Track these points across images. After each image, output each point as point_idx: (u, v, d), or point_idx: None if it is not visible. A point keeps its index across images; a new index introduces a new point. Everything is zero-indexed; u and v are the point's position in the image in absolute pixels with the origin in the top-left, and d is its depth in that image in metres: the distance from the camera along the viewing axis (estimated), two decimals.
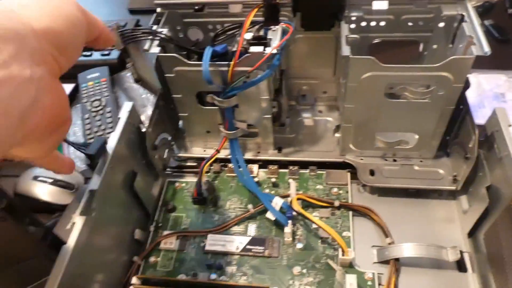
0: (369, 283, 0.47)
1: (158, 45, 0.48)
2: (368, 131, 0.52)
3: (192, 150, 0.60)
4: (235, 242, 0.51)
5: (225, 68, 0.46)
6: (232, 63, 0.45)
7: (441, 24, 0.48)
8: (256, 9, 0.47)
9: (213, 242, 0.52)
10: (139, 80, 0.48)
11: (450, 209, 0.53)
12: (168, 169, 0.60)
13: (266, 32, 0.49)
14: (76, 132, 0.69)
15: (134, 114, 0.49)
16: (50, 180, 0.58)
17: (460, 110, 0.48)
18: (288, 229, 0.50)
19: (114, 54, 0.76)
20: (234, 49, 0.48)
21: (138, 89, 0.73)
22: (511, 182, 0.39)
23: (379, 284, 0.47)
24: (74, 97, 0.73)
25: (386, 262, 0.48)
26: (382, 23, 0.50)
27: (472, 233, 0.48)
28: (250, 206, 0.54)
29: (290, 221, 0.50)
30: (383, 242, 0.50)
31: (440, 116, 0.48)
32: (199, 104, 0.53)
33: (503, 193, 0.41)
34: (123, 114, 0.48)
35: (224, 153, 0.58)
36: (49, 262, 0.38)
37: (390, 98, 0.47)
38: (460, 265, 0.48)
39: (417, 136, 0.52)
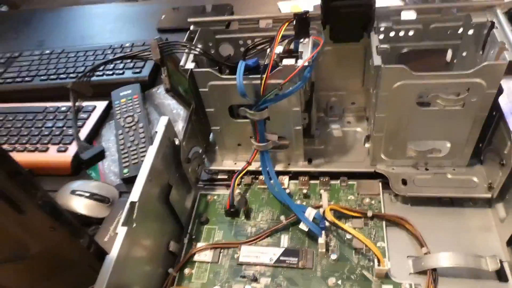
0: None
1: (193, 61, 0.50)
2: (399, 140, 0.52)
3: (223, 163, 0.61)
4: (269, 254, 0.52)
5: (257, 82, 0.47)
6: (264, 76, 0.47)
7: (471, 32, 0.49)
8: (287, 23, 0.48)
9: (247, 254, 0.52)
10: (170, 90, 0.50)
11: (486, 217, 0.52)
12: (200, 183, 0.61)
13: (296, 46, 0.50)
14: (109, 148, 0.71)
15: (169, 127, 0.51)
16: (87, 194, 0.60)
17: (494, 117, 0.48)
18: (322, 240, 0.50)
19: (145, 72, 0.79)
20: (266, 62, 0.50)
21: (169, 105, 0.75)
22: None
23: None
24: (108, 114, 0.76)
25: (423, 272, 0.48)
26: (411, 33, 0.51)
27: (511, 242, 0.47)
28: (282, 218, 0.54)
29: (323, 232, 0.50)
30: (418, 252, 0.50)
31: (473, 123, 0.48)
32: (231, 117, 0.54)
33: None
34: (160, 128, 0.49)
35: (255, 166, 0.59)
36: (92, 272, 0.39)
37: (422, 106, 0.48)
38: (500, 275, 0.47)
39: (449, 144, 0.52)
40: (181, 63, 0.50)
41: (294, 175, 0.59)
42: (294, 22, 0.48)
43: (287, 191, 0.57)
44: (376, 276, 0.47)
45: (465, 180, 0.53)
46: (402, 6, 0.48)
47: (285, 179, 0.59)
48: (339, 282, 0.48)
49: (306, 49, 0.47)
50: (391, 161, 0.55)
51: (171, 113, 0.74)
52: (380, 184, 0.56)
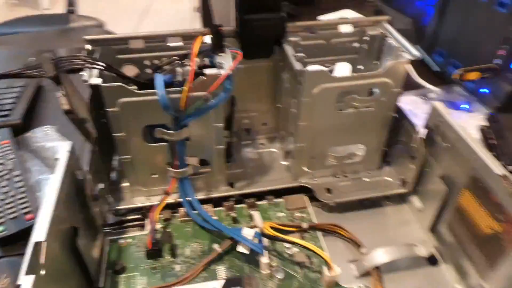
0: None
1: (98, 76, 0.43)
2: (321, 148, 0.53)
3: (133, 200, 0.53)
4: None
5: (177, 95, 0.43)
6: (186, 88, 0.43)
7: (365, 45, 0.55)
8: (202, 37, 0.46)
9: None
10: (70, 112, 0.42)
11: (404, 211, 0.55)
12: (107, 228, 0.51)
13: (211, 61, 0.48)
14: None
15: (73, 156, 0.42)
16: None
17: (397, 119, 0.53)
18: (265, 259, 0.45)
19: (16, 115, 0.66)
20: (181, 79, 0.46)
21: (50, 149, 0.63)
22: (467, 162, 0.43)
23: None
24: None
25: (367, 274, 0.47)
26: (315, 47, 0.54)
27: (433, 228, 0.51)
28: (215, 246, 0.48)
29: (265, 251, 0.46)
30: (357, 255, 0.49)
31: (383, 124, 0.52)
32: (145, 142, 0.48)
33: (457, 177, 0.45)
34: (63, 155, 0.40)
35: (171, 198, 0.52)
36: None
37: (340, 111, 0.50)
38: (431, 260, 0.49)
39: (364, 147, 0.55)
40: (84, 77, 0.43)
41: (217, 203, 0.54)
42: (208, 37, 0.47)
43: (214, 217, 0.52)
44: (325, 285, 0.45)
45: (380, 181, 0.56)
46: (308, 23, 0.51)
47: (209, 208, 0.53)
48: None
49: (226, 60, 0.46)
50: (312, 173, 0.56)
51: (52, 159, 0.62)
52: (307, 197, 0.55)
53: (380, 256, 0.47)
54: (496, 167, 0.39)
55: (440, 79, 0.76)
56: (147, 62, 0.52)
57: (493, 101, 0.67)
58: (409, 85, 0.51)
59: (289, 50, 0.49)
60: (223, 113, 0.49)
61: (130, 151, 0.49)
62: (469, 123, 0.64)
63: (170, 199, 0.52)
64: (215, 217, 0.52)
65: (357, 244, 0.50)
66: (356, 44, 0.55)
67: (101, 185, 0.50)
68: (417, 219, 0.54)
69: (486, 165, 0.40)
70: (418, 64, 0.49)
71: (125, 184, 0.54)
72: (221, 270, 0.47)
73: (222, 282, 0.45)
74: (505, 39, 0.63)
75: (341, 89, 0.47)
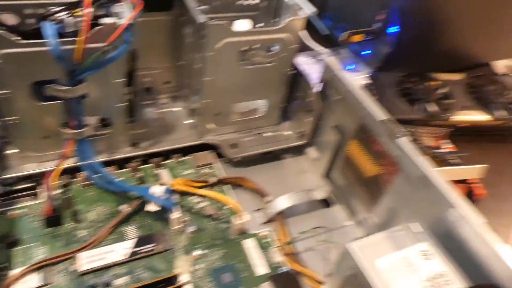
0: (268, 239, 0.48)
1: None
2: (225, 105, 0.54)
3: (22, 168, 0.48)
4: (117, 251, 0.44)
5: (71, 46, 0.40)
6: (81, 38, 0.40)
7: (265, 3, 0.56)
8: None
9: (89, 260, 0.42)
10: None
11: (302, 162, 0.60)
12: None
13: (107, 11, 0.45)
14: None
15: None
16: None
17: (295, 75, 0.56)
18: (175, 214, 0.46)
19: None
20: (71, 30, 0.42)
21: None
22: (356, 112, 0.48)
23: (275, 240, 0.49)
24: None
25: (272, 220, 0.51)
26: (216, 3, 0.54)
27: (327, 175, 0.56)
28: (122, 207, 0.47)
29: (175, 207, 0.46)
30: (263, 205, 0.53)
31: (282, 79, 0.55)
32: (34, 101, 0.43)
33: (348, 126, 0.50)
34: None
35: (69, 162, 0.49)
36: None
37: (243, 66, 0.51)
38: (327, 203, 0.55)
39: (266, 103, 0.57)
40: None
41: (121, 165, 0.52)
42: None
43: (118, 179, 0.50)
44: (235, 233, 0.48)
45: (280, 135, 0.60)
46: None
47: (112, 170, 0.51)
48: (206, 251, 0.45)
49: (124, 10, 0.43)
50: (217, 130, 0.57)
51: None
52: (214, 154, 0.57)
53: (282, 202, 0.51)
54: (379, 114, 0.45)
55: (329, 42, 0.82)
56: (29, 11, 0.46)
57: (374, 61, 0.75)
58: (301, 48, 0.54)
59: (191, 2, 0.48)
60: (123, 68, 0.46)
61: (16, 111, 0.43)
62: (355, 82, 0.71)
63: (68, 164, 0.49)
64: (120, 179, 0.50)
65: (262, 194, 0.53)
66: (256, 1, 0.56)
67: None
68: (313, 168, 0.59)
69: (370, 113, 0.46)
70: (309, 28, 0.52)
71: (12, 151, 0.48)
72: (131, 231, 0.46)
73: (133, 241, 0.45)
74: (383, 5, 0.71)
75: (243, 44, 0.48)
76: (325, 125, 0.55)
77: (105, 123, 0.49)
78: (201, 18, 0.45)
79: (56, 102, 0.44)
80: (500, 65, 0.83)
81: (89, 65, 0.41)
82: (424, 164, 0.40)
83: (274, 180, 0.56)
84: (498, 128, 0.69)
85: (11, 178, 0.47)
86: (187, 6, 0.48)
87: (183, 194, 0.50)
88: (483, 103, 0.68)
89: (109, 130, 0.50)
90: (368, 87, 0.68)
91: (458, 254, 0.37)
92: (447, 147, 0.65)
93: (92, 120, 0.47)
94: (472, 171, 0.57)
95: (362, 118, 0.48)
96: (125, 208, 0.47)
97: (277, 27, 0.49)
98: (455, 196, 0.37)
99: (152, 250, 0.44)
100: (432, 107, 0.66)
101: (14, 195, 0.47)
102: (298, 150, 0.61)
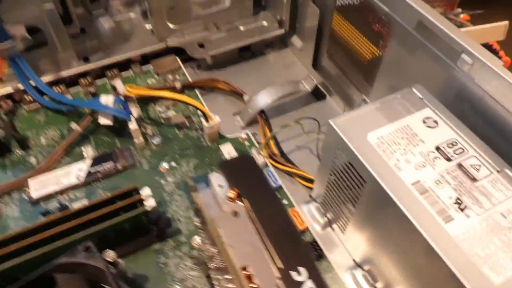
0: (247, 143, 0.41)
1: None
2: None
3: None
4: (72, 173, 0.38)
5: None
6: None
7: None
8: None
9: (41, 186, 0.37)
10: None
11: (287, 55, 0.52)
12: None
13: None
14: None
15: None
16: None
17: None
18: (133, 125, 0.39)
19: None
20: None
21: None
22: None
23: (258, 143, 0.42)
24: None
25: (255, 122, 0.44)
26: None
27: (316, 64, 0.47)
28: (74, 126, 0.40)
29: (132, 116, 0.39)
30: (241, 107, 0.45)
31: None
32: None
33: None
34: None
35: (11, 86, 0.42)
36: None
37: None
38: (318, 95, 0.47)
39: None
40: None
41: (72, 82, 0.45)
42: None
43: (69, 97, 0.43)
44: (209, 140, 0.41)
45: (256, 26, 0.50)
46: None
47: (62, 89, 0.44)
48: (173, 163, 0.39)
49: None
50: (180, 31, 0.48)
51: None
52: (177, 58, 0.48)
53: (263, 97, 0.43)
54: None
55: None
56: None
57: None
58: None
59: None
60: None
61: None
62: None
63: (8, 87, 0.42)
64: (69, 97, 0.44)
65: (239, 95, 0.45)
66: None
67: None
68: (300, 59, 0.50)
69: None
70: None
71: None
72: (88, 150, 0.40)
73: (89, 161, 0.39)
74: None
75: None
76: (303, 3, 0.45)
77: (39, 37, 0.42)
78: None
79: None
80: None
81: None
82: (420, 5, 0.30)
83: (254, 80, 0.48)
84: None
85: None
86: None
87: (146, 102, 0.43)
88: None
89: (45, 42, 0.42)
90: None
91: (472, 119, 0.29)
92: (459, 17, 0.54)
93: (18, 30, 0.39)
94: (493, 32, 0.46)
95: None
96: (76, 127, 0.40)
97: None
98: (465, 37, 0.28)
99: (111, 169, 0.38)
100: None
101: None
102: (281, 43, 0.52)
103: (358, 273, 0.33)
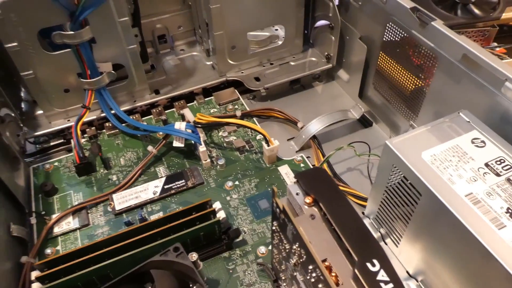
0: (302, 165, 0.45)
1: None
2: (239, 34, 0.51)
3: (51, 125, 0.48)
4: (149, 189, 0.43)
5: None
6: None
7: None
8: None
9: (123, 200, 0.42)
10: None
11: (333, 87, 0.56)
12: (29, 158, 0.47)
13: None
14: None
15: None
16: None
17: None
18: (203, 148, 0.44)
19: None
20: None
21: None
22: (380, 11, 0.43)
23: (312, 165, 0.46)
24: None
25: (307, 147, 0.48)
26: None
27: (362, 94, 0.52)
28: (150, 148, 0.46)
29: (202, 140, 0.45)
30: (295, 133, 0.50)
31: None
32: (44, 50, 0.43)
33: (374, 33, 0.45)
34: None
35: (94, 114, 0.49)
36: None
37: None
38: (365, 122, 0.51)
39: (283, 29, 0.54)
40: None
41: (145, 113, 0.51)
42: None
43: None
44: (268, 161, 0.45)
45: (306, 62, 0.56)
46: None
47: (137, 117, 0.50)
48: (236, 182, 0.43)
49: None
50: (238, 65, 0.54)
51: None
52: (235, 90, 0.54)
53: (315, 124, 0.47)
54: (406, 2, 0.40)
55: None
56: None
57: None
58: None
59: None
60: (125, 4, 0.44)
61: (29, 65, 0.43)
62: None
63: (93, 115, 0.48)
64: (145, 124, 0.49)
65: (293, 122, 0.50)
66: None
67: (5, 111, 0.45)
68: (346, 90, 0.55)
69: (395, 5, 0.41)
70: None
71: (40, 112, 0.49)
72: (161, 169, 0.45)
73: (163, 179, 0.44)
74: None
75: None
76: (351, 39, 0.50)
77: (121, 72, 0.48)
78: None
79: (65, 50, 0.43)
80: None
81: (85, 2, 0.40)
82: (465, 40, 0.34)
83: (304, 109, 0.53)
84: None
85: (42, 135, 0.48)
86: None
87: (210, 129, 0.49)
88: None
89: (126, 76, 0.49)
90: None
91: None
92: (495, 50, 0.57)
93: (106, 67, 0.46)
94: None
95: (387, 17, 0.42)
96: (152, 149, 0.46)
97: None
98: (508, 67, 0.32)
99: (182, 186, 0.43)
100: (477, 7, 0.58)
101: (48, 152, 0.48)
102: (328, 76, 0.57)
103: (412, 284, 0.35)
